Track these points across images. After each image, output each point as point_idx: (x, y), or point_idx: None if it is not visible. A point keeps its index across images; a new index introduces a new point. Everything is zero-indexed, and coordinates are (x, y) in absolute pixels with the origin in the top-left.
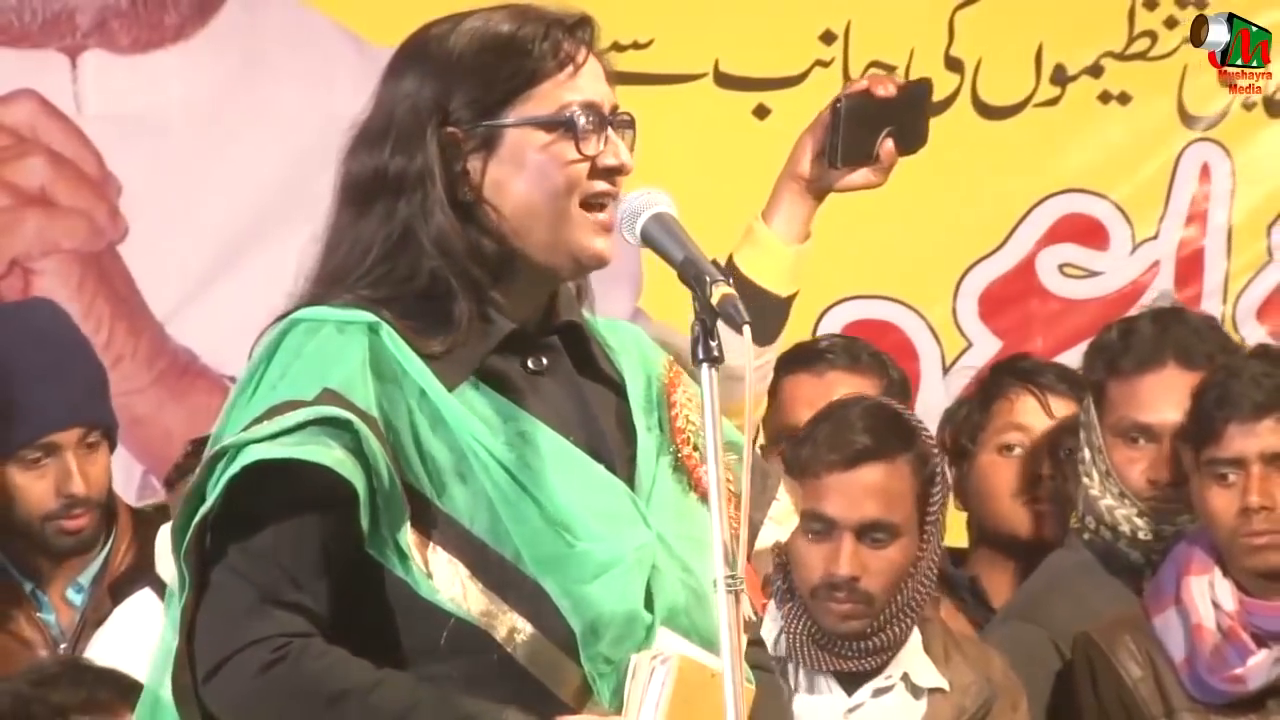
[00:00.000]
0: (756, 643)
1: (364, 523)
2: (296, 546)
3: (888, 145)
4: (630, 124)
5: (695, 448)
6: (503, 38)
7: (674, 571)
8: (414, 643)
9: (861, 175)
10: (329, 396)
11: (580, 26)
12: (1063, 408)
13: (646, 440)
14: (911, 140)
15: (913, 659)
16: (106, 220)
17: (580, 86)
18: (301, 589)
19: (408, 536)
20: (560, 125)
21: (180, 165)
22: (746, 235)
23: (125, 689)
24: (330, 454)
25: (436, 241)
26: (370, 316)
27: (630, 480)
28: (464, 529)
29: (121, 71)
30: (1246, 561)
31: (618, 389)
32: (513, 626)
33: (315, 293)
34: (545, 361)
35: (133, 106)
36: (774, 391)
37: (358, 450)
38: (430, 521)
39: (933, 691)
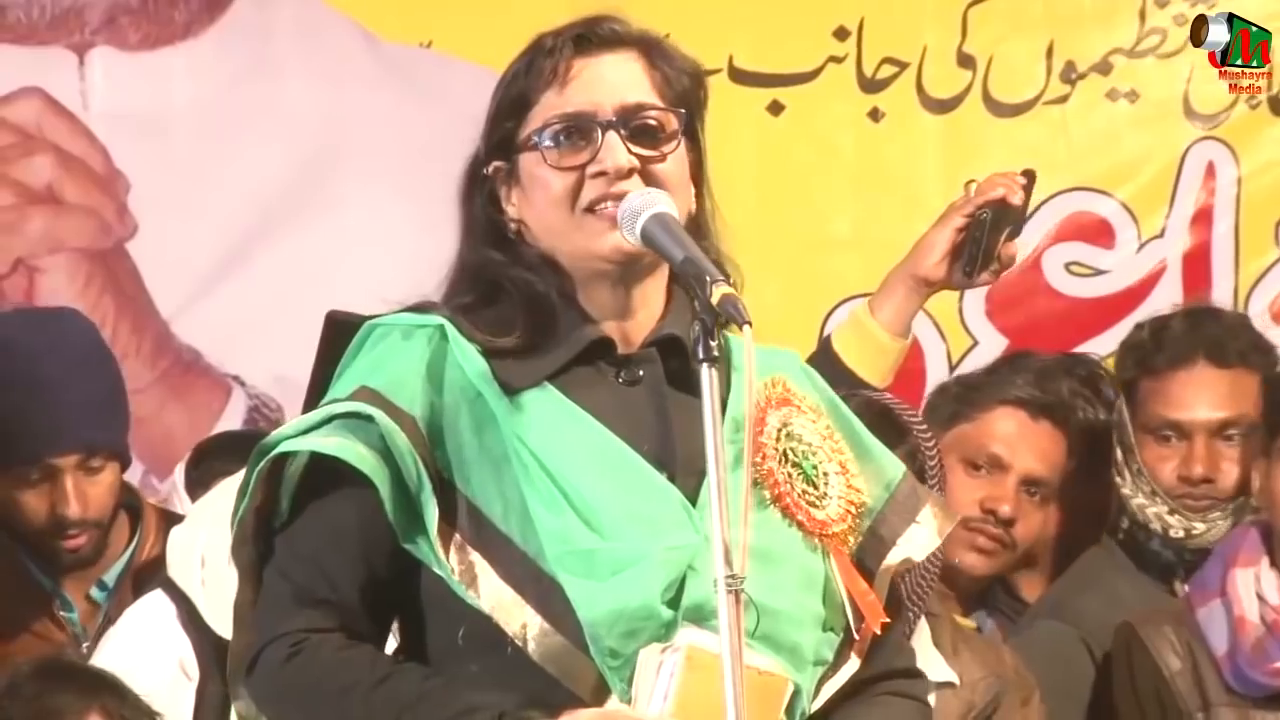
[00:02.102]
0: (908, 673)
1: (391, 516)
2: (334, 543)
3: (1010, 248)
4: (647, 127)
5: (795, 464)
6: (513, 67)
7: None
8: (441, 640)
9: (982, 277)
10: (362, 394)
11: (579, 36)
12: None
13: (724, 454)
14: (1019, 231)
15: (922, 653)
16: (114, 218)
17: (569, 96)
18: (335, 586)
19: (435, 531)
20: (537, 142)
21: (188, 163)
22: (851, 323)
23: (95, 689)
24: (351, 448)
25: (493, 273)
26: (439, 320)
27: (696, 490)
28: (494, 526)
29: (130, 69)
30: None
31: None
32: (524, 621)
33: (418, 305)
34: (641, 373)
35: (141, 104)
36: (975, 416)
37: (382, 446)
38: (461, 517)
39: (941, 686)
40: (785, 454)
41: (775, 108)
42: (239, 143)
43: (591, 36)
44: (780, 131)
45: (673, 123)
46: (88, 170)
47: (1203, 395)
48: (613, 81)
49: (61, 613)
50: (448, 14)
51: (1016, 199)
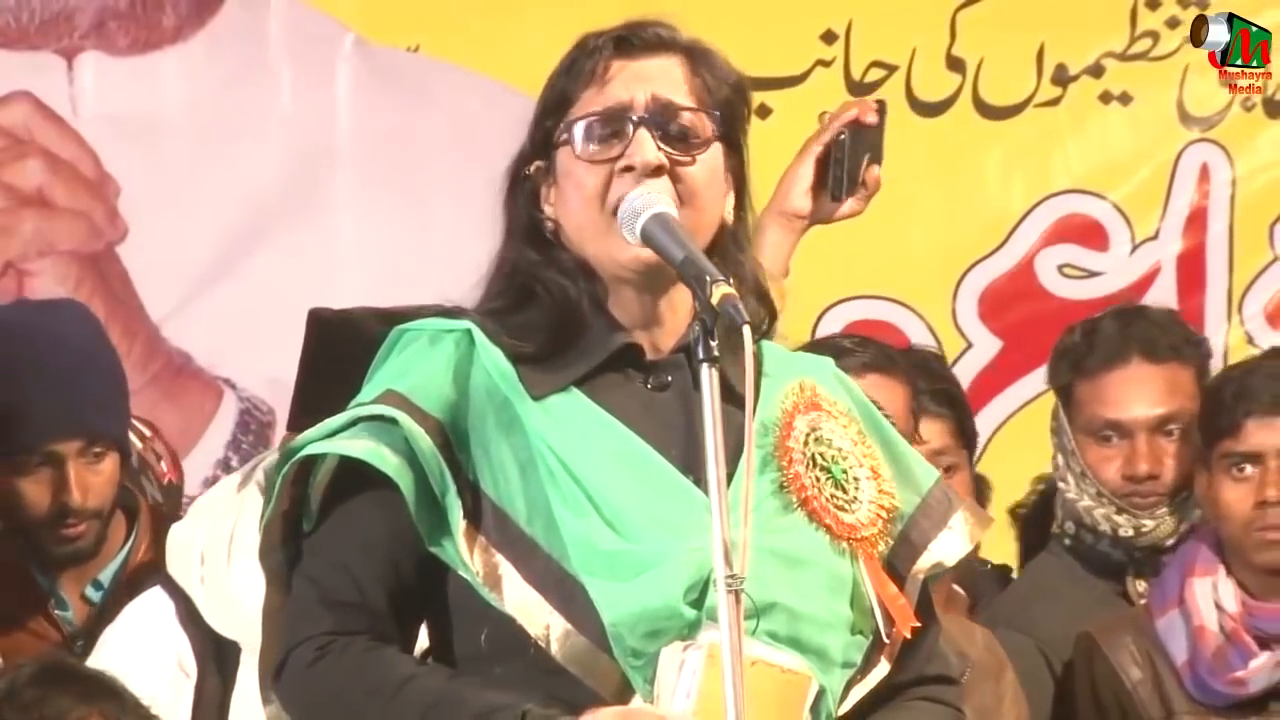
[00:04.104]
0: (941, 679)
1: (416, 518)
2: (360, 546)
3: (874, 171)
4: (679, 128)
5: (824, 469)
6: (558, 66)
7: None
8: (466, 643)
9: (849, 204)
10: (388, 397)
11: (622, 38)
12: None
13: (751, 458)
14: (880, 157)
15: None
16: (105, 221)
17: (607, 94)
18: (361, 589)
19: (460, 533)
20: (569, 137)
21: (178, 166)
22: None
23: (94, 694)
24: (376, 451)
25: (527, 275)
26: (467, 324)
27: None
28: (518, 528)
29: (119, 73)
30: (1259, 557)
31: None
32: (547, 623)
33: (448, 309)
34: (670, 379)
35: (130, 108)
36: None
37: (406, 449)
38: (486, 519)
39: None
40: (814, 458)
41: (763, 111)
42: (228, 146)
43: (634, 39)
44: (768, 135)
45: (707, 127)
46: (77, 174)
47: (1140, 392)
48: (649, 81)
49: (56, 611)
50: (436, 18)
51: (870, 118)
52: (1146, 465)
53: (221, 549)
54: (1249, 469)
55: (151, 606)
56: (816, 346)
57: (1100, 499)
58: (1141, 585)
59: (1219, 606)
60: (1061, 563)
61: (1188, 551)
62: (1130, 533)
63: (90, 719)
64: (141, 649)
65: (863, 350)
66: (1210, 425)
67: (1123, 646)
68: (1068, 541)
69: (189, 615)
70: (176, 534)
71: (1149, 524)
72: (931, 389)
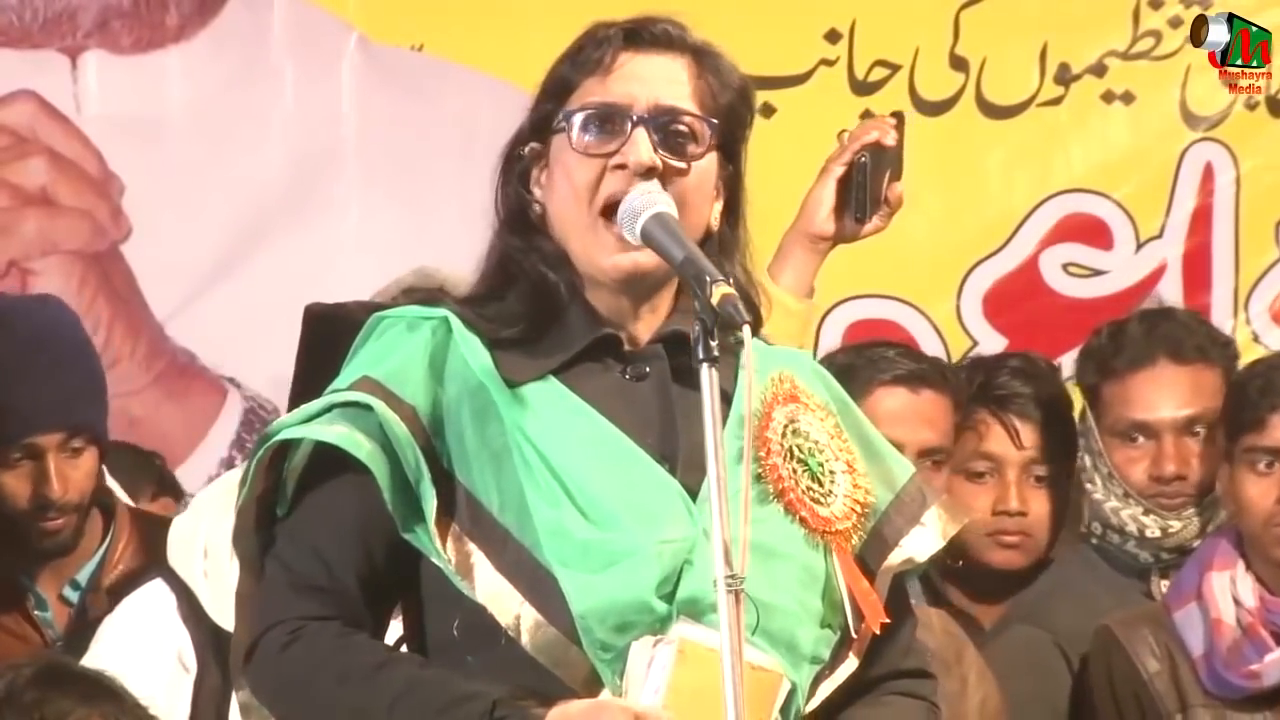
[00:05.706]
0: (916, 673)
1: (390, 505)
2: (333, 532)
3: (896, 189)
4: (678, 132)
5: (801, 461)
6: (565, 51)
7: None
8: (439, 631)
9: (873, 223)
10: (363, 384)
11: (631, 31)
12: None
13: (725, 451)
14: (900, 173)
15: None
16: (108, 220)
17: (610, 87)
18: (333, 575)
19: (433, 521)
20: (566, 126)
21: (182, 165)
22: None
23: (94, 695)
24: (350, 436)
25: (509, 260)
26: (444, 312)
27: (697, 484)
28: (491, 517)
29: (122, 72)
30: (1278, 552)
31: (726, 399)
32: (518, 613)
33: (428, 296)
34: (648, 369)
35: (134, 107)
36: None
37: (381, 435)
38: (460, 508)
39: None
40: (791, 450)
41: (766, 110)
42: (232, 145)
43: (644, 33)
44: (771, 134)
45: (705, 133)
46: (81, 173)
47: (1166, 393)
48: (654, 81)
49: (36, 611)
50: (439, 17)
51: (890, 140)
52: (1173, 466)
53: (224, 543)
54: (1274, 465)
55: (151, 600)
56: (855, 353)
57: (1127, 500)
58: (1166, 585)
59: (1237, 601)
60: (1085, 560)
61: (1207, 546)
62: (1157, 533)
63: None
64: (140, 642)
65: (904, 362)
66: (1234, 419)
67: (1141, 639)
68: (1094, 541)
69: (190, 609)
70: (179, 527)
71: (1176, 525)
72: (1039, 397)
